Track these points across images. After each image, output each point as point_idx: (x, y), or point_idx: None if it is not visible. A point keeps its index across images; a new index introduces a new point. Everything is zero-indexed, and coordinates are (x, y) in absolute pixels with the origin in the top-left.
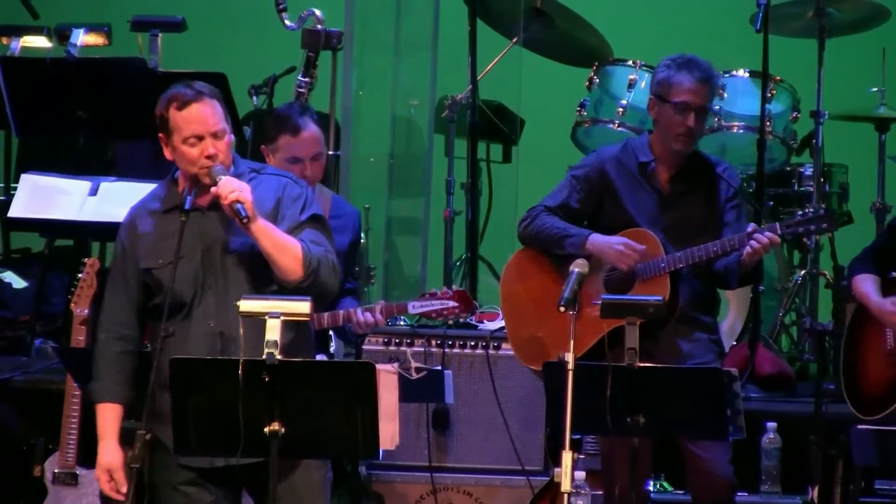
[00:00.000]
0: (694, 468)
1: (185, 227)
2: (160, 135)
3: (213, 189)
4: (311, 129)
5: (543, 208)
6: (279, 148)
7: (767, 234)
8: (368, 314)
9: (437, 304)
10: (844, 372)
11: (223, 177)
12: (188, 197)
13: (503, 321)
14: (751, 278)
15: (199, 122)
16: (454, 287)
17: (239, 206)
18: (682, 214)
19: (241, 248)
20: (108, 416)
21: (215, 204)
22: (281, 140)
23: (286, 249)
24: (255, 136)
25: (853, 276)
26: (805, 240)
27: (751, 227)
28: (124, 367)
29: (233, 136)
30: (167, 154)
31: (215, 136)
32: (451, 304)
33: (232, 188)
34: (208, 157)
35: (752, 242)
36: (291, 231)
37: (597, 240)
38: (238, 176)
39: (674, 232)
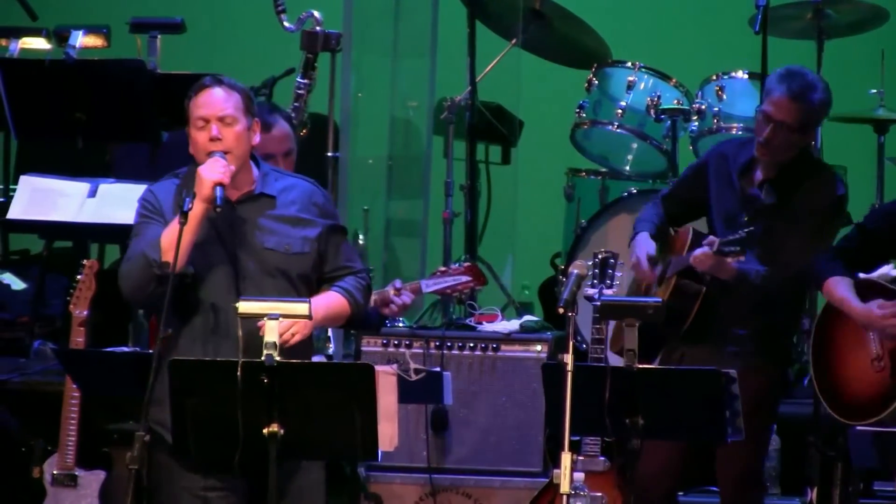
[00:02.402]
0: (723, 470)
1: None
2: (187, 129)
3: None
4: (281, 125)
5: (659, 197)
6: None
7: (699, 250)
8: (405, 296)
9: (449, 281)
10: (818, 378)
11: (280, 321)
12: (187, 199)
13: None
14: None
15: (206, 104)
16: (463, 262)
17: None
18: (764, 223)
19: (275, 247)
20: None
21: (247, 197)
22: None
23: (338, 319)
24: None
25: (825, 279)
26: (729, 259)
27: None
28: None
29: (255, 136)
30: (191, 149)
31: (222, 120)
32: (464, 278)
33: (288, 337)
34: (212, 140)
35: (692, 258)
36: (323, 238)
37: (635, 242)
38: (263, 176)
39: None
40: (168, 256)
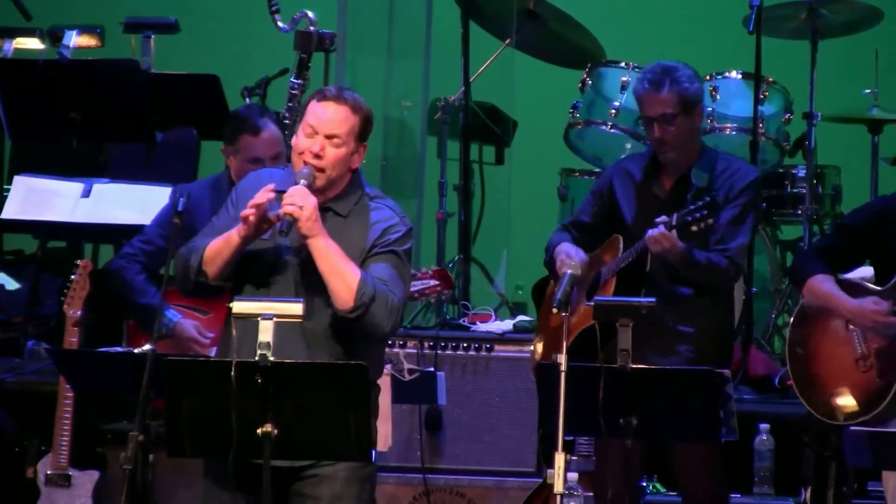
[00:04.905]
0: (681, 481)
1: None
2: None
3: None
4: (270, 129)
5: (560, 226)
6: (240, 149)
7: (655, 230)
8: None
9: (417, 285)
10: (796, 378)
11: (299, 185)
12: (181, 198)
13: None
14: (701, 280)
15: (321, 117)
16: (433, 267)
17: (287, 218)
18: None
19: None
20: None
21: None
22: (241, 141)
23: (341, 276)
24: None
25: (809, 276)
26: (693, 228)
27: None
28: None
29: (357, 157)
30: (293, 140)
31: (329, 138)
32: (432, 283)
33: (292, 201)
34: (313, 154)
35: (648, 238)
36: (366, 254)
37: (560, 251)
38: (350, 194)
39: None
40: (207, 266)
